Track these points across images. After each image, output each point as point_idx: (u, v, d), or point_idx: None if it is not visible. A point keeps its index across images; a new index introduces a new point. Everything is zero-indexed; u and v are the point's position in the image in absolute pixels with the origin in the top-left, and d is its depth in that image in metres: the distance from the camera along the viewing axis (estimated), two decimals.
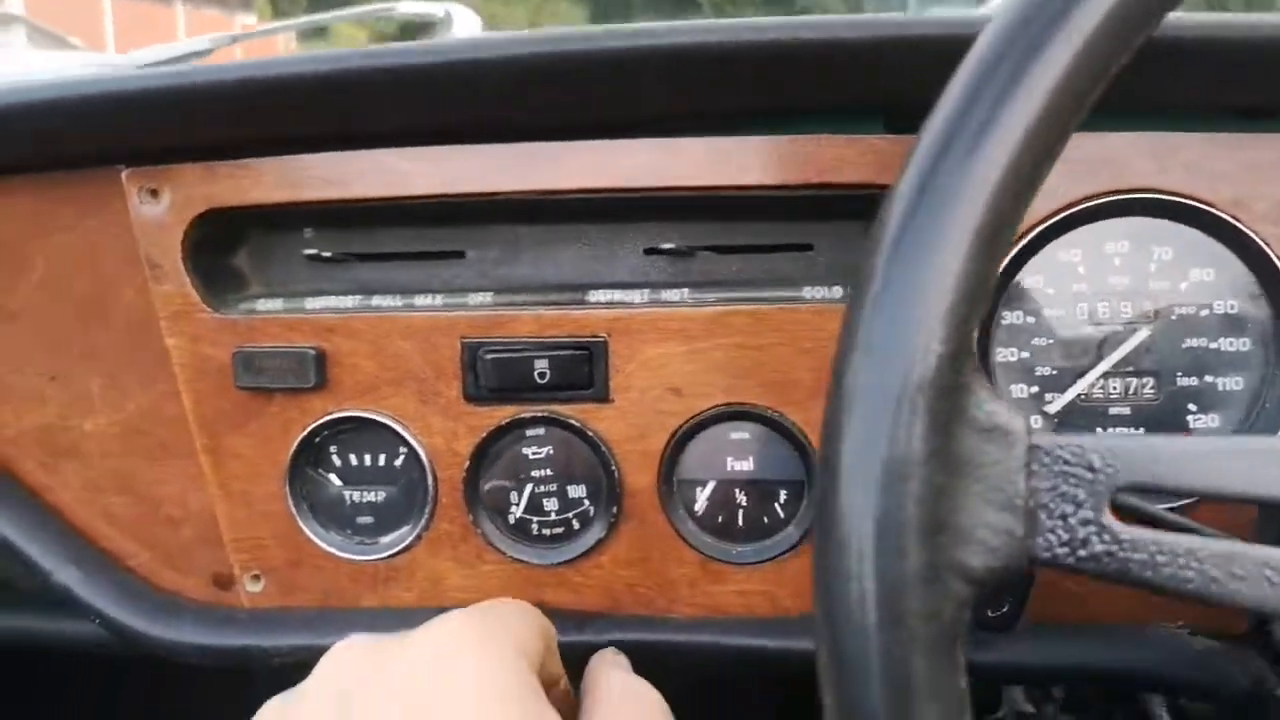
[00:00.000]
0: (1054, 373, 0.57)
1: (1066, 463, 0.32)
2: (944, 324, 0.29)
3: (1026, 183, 0.30)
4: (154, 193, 0.58)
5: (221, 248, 0.61)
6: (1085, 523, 0.32)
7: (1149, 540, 0.32)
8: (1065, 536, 0.32)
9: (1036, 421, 0.57)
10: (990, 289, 0.31)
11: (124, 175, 0.58)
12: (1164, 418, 0.57)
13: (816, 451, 0.56)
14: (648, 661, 0.61)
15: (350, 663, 0.40)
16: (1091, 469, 0.32)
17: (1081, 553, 0.32)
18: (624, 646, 0.60)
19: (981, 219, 0.29)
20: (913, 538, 0.29)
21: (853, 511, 0.29)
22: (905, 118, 0.56)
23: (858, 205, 0.57)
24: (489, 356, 0.57)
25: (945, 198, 0.29)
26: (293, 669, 0.63)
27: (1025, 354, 0.57)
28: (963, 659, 0.30)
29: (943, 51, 0.49)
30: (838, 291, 0.57)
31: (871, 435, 0.29)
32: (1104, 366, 0.57)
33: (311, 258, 0.61)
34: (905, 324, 0.29)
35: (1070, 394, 0.57)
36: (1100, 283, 0.57)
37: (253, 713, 0.40)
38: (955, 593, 0.30)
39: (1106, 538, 0.32)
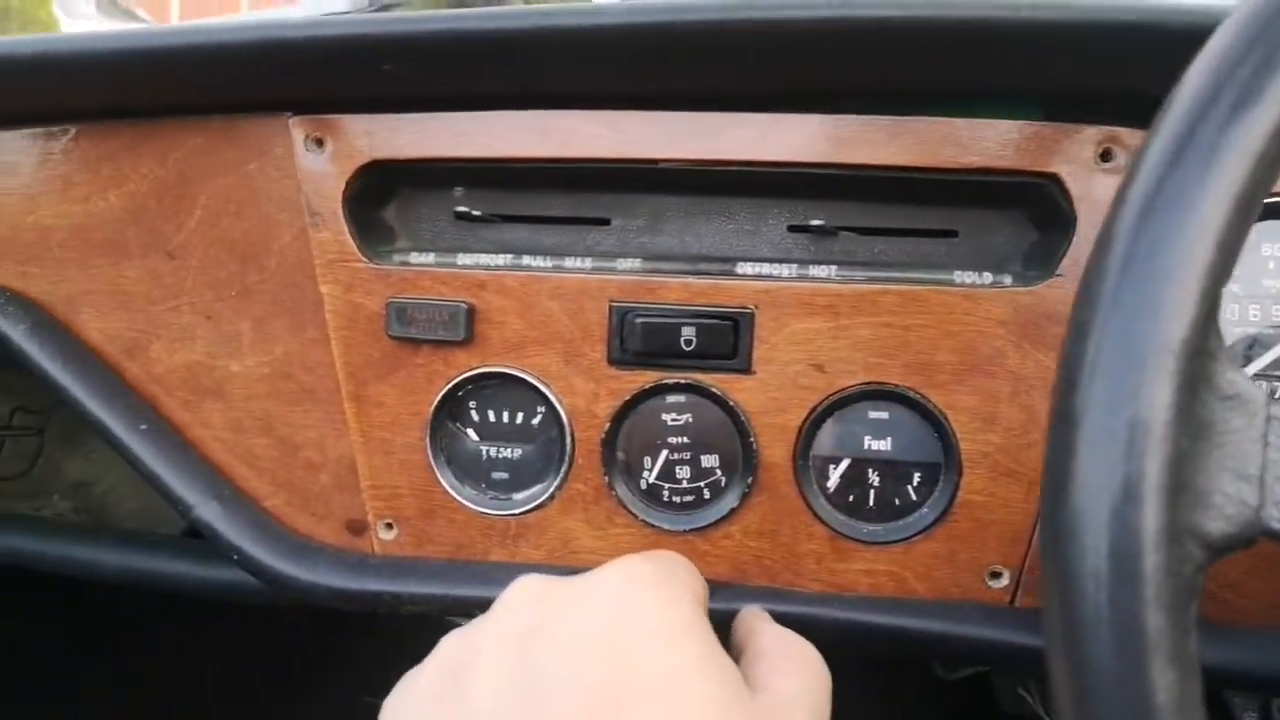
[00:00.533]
0: None
1: None
2: (1198, 285, 0.29)
3: None
4: (319, 142, 0.59)
5: (375, 201, 0.62)
6: None
7: None
8: None
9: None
10: (1238, 256, 0.31)
11: (291, 122, 0.59)
12: None
13: (956, 433, 0.57)
14: None
15: (534, 597, 0.41)
16: None
17: None
18: None
19: (1243, 180, 0.30)
20: (1155, 496, 0.29)
21: (1095, 467, 0.30)
22: (1067, 106, 0.56)
23: (1007, 193, 0.58)
24: (638, 321, 0.57)
25: (1209, 155, 0.30)
26: (415, 619, 0.64)
27: None
28: (1194, 626, 0.30)
29: (1130, 40, 0.50)
30: (988, 277, 0.57)
31: (1119, 392, 0.30)
32: (1252, 370, 0.57)
33: (460, 216, 0.62)
34: (1160, 282, 0.30)
35: None
36: (1255, 285, 0.57)
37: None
38: (1192, 556, 0.30)
39: None
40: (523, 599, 0.41)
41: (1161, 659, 0.29)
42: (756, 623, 0.48)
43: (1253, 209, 0.30)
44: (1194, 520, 0.30)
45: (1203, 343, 0.30)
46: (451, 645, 0.41)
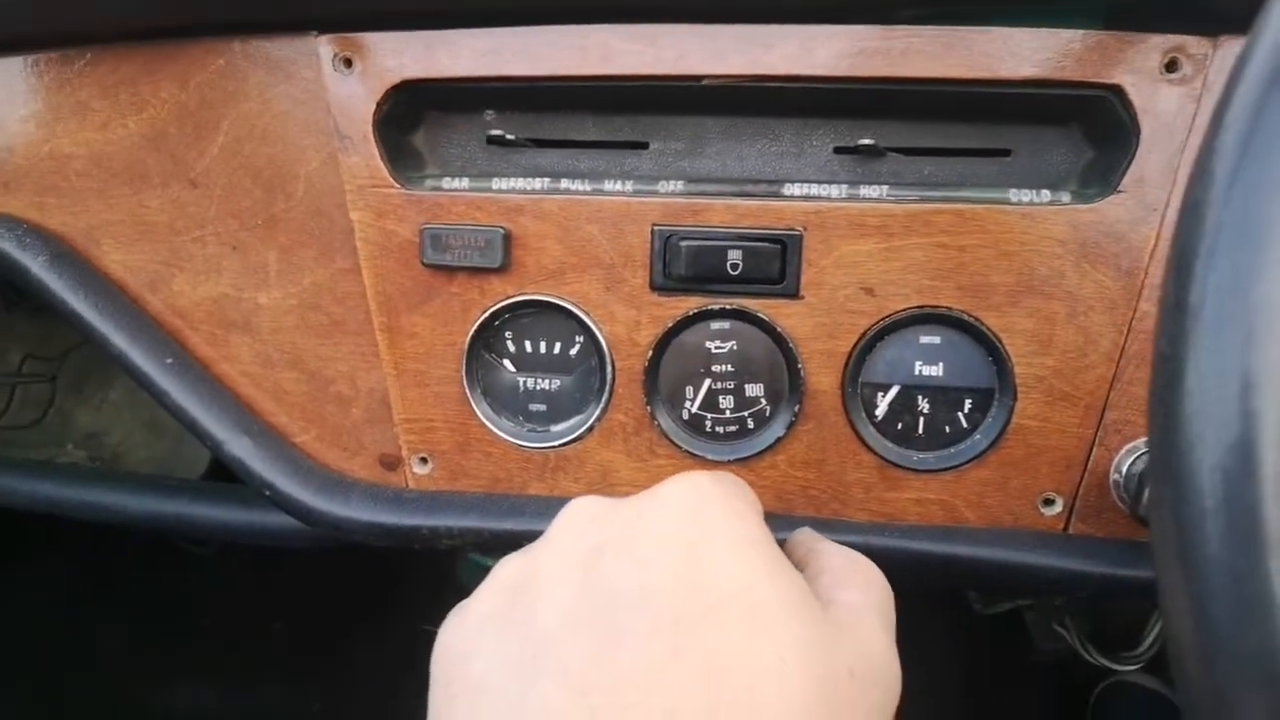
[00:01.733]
0: None
1: None
2: None
3: None
4: (348, 62, 0.57)
5: (405, 125, 0.60)
6: None
7: None
8: None
9: None
10: None
11: (318, 41, 0.57)
12: None
13: (1011, 357, 0.55)
14: None
15: (594, 516, 0.40)
16: None
17: None
18: None
19: None
20: (1278, 385, 0.27)
21: (1216, 355, 0.28)
22: (1130, 15, 0.53)
23: (1062, 108, 0.56)
24: (683, 244, 0.56)
25: None
26: (453, 552, 0.63)
27: None
28: None
29: None
30: (1046, 195, 0.56)
31: (1242, 274, 0.28)
32: None
33: (493, 140, 0.60)
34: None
35: None
36: None
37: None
38: None
39: None
40: (583, 518, 0.40)
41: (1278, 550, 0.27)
42: (814, 542, 0.47)
43: None
44: None
45: None
46: (512, 568, 0.40)
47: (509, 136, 0.59)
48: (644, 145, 0.60)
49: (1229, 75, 0.30)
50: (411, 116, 0.60)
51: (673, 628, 0.34)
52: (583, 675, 0.33)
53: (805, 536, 0.48)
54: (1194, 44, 0.52)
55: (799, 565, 0.45)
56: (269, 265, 0.61)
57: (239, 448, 0.60)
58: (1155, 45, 0.53)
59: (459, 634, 0.38)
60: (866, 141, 0.57)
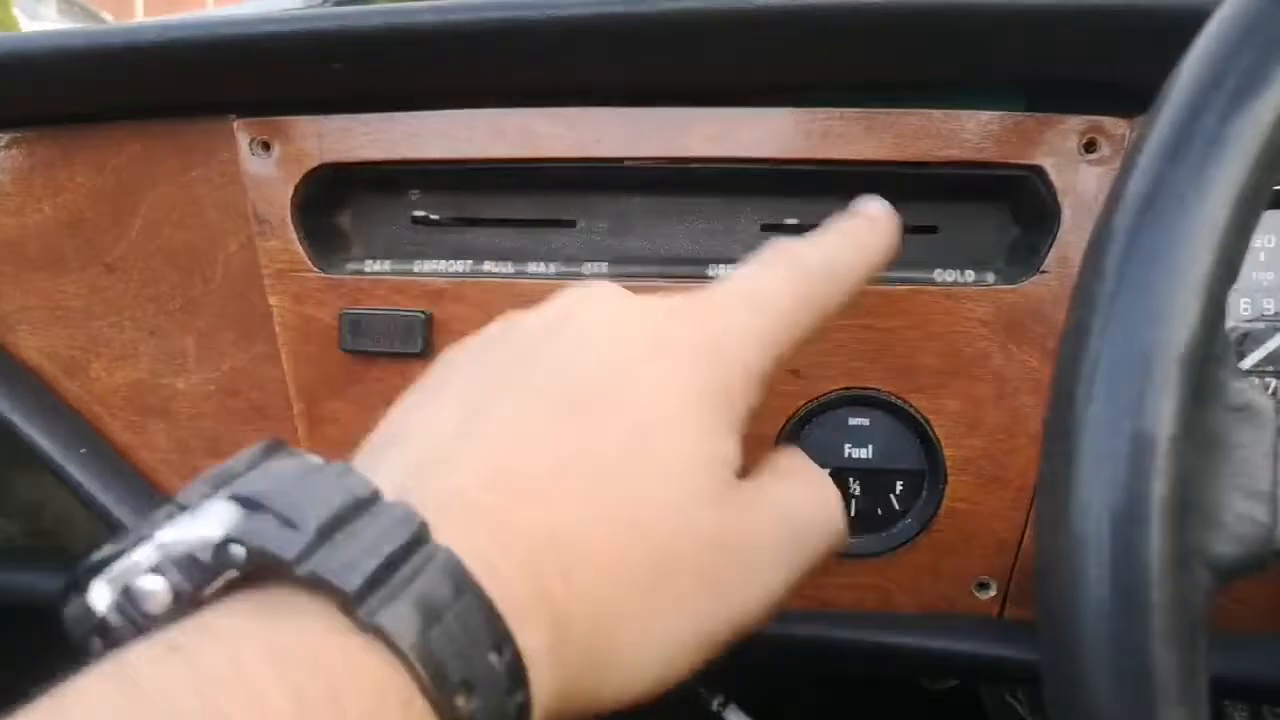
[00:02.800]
0: None
1: None
2: (1205, 287, 0.27)
3: None
4: (265, 145, 0.56)
5: (327, 207, 0.59)
6: None
7: None
8: None
9: None
10: (1244, 255, 0.29)
11: (235, 125, 0.56)
12: None
13: (940, 439, 0.55)
14: (750, 654, 0.60)
15: (584, 295, 0.39)
16: None
17: None
18: None
19: (1248, 172, 0.27)
20: (1161, 519, 0.27)
21: (1096, 488, 0.27)
22: (1050, 95, 0.53)
23: (988, 187, 0.55)
24: None
25: (1213, 147, 0.27)
26: None
27: None
28: (1205, 659, 0.28)
29: (1116, 26, 0.48)
30: (970, 275, 0.55)
31: (1121, 405, 0.27)
32: (1244, 366, 0.54)
33: (418, 220, 0.59)
34: (1163, 285, 0.27)
35: None
36: (1244, 278, 0.55)
37: None
38: (1201, 581, 0.28)
39: None
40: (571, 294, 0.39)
41: (1172, 698, 0.26)
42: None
43: (1259, 203, 0.28)
44: (1202, 542, 0.28)
45: (1209, 349, 0.27)
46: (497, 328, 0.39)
47: (433, 217, 0.59)
48: (572, 223, 0.60)
49: (1108, 193, 0.30)
50: (336, 198, 0.59)
51: (570, 406, 0.33)
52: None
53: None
54: (1111, 124, 0.52)
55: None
56: (187, 350, 0.60)
57: None
58: (1073, 126, 0.52)
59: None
60: (792, 221, 0.57)
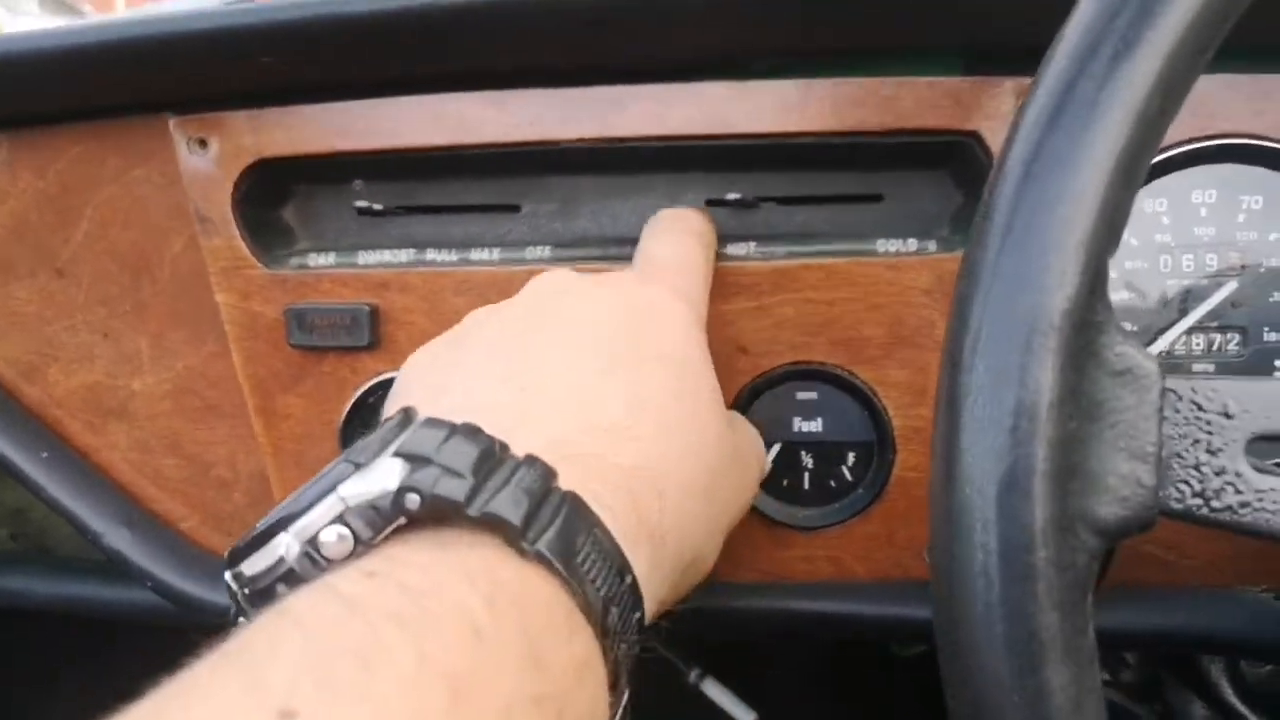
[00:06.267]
0: (1135, 329, 0.55)
1: (1200, 408, 0.30)
2: (1081, 253, 0.27)
3: (1173, 97, 0.28)
4: (202, 142, 0.56)
5: (270, 201, 0.59)
6: (1220, 472, 0.30)
7: None
8: (1199, 487, 0.29)
9: None
10: (1125, 221, 0.29)
11: (171, 123, 0.56)
12: (1249, 375, 0.55)
13: (887, 409, 0.55)
14: (709, 627, 0.60)
15: (557, 278, 0.46)
16: (1227, 414, 0.30)
17: (1216, 503, 0.29)
18: (684, 612, 0.59)
19: (1126, 138, 0.27)
20: (1044, 484, 0.27)
21: (979, 455, 0.27)
22: (987, 59, 0.53)
23: (930, 153, 0.55)
24: None
25: (1087, 114, 0.27)
26: None
27: None
28: (1091, 615, 0.28)
29: None
30: (912, 244, 0.55)
31: (1002, 373, 0.27)
32: (1188, 322, 0.54)
33: (362, 211, 0.59)
34: (1040, 251, 0.27)
35: (1153, 351, 0.54)
36: (1186, 234, 0.54)
37: None
38: (1085, 544, 0.28)
39: (1242, 488, 0.30)
40: (542, 283, 0.46)
41: (1057, 658, 0.27)
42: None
43: (1138, 169, 0.28)
44: (1086, 507, 0.28)
45: (1088, 315, 0.28)
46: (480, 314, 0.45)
47: (376, 207, 0.59)
48: (516, 208, 0.60)
49: (993, 166, 0.30)
50: (279, 191, 0.60)
51: (512, 340, 0.41)
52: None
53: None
54: None
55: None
56: (141, 351, 0.60)
57: (117, 539, 0.59)
58: (1009, 89, 0.52)
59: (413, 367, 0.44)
60: (734, 195, 0.57)
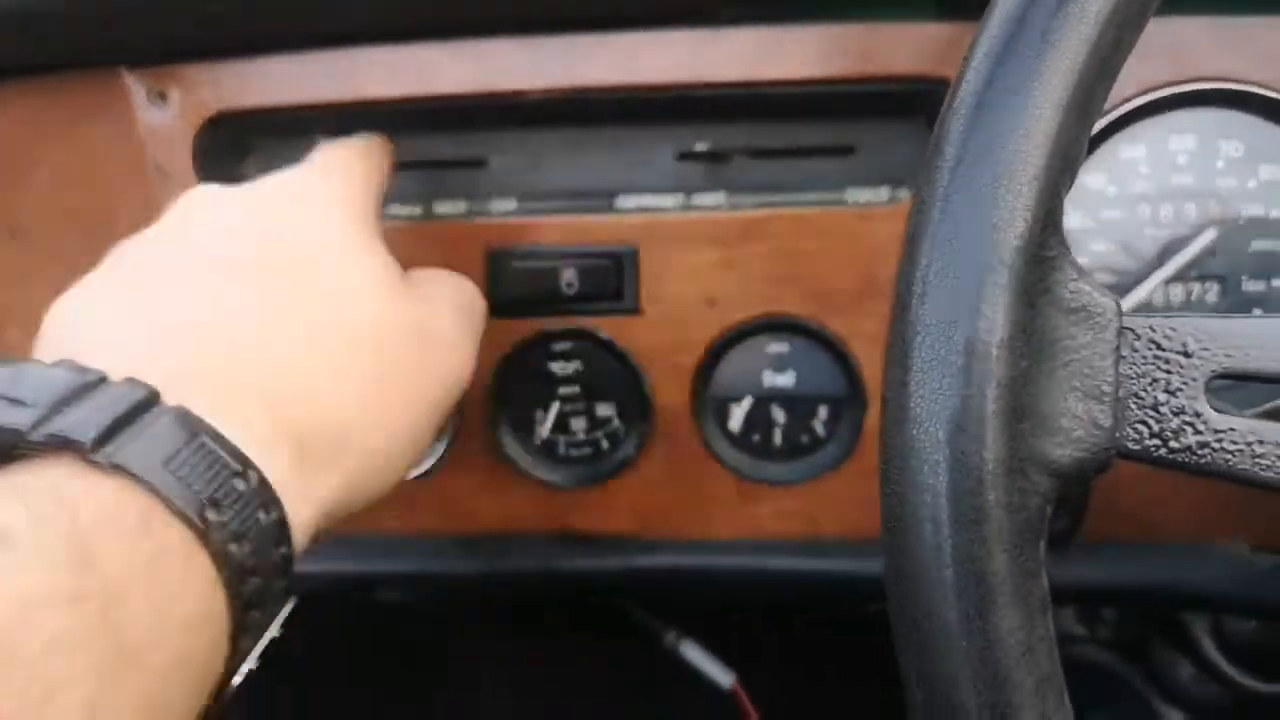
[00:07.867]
0: (1114, 279, 0.54)
1: (1159, 347, 0.29)
2: (1034, 187, 0.26)
3: (1128, 27, 0.27)
4: (161, 95, 0.55)
5: (231, 156, 0.58)
6: (1178, 412, 0.29)
7: (1247, 431, 0.29)
8: (1157, 427, 0.29)
9: None
10: (1081, 156, 0.27)
11: (130, 77, 0.55)
12: None
13: (859, 362, 0.54)
14: (682, 585, 0.60)
15: (196, 192, 0.43)
16: (1186, 353, 0.29)
17: (1174, 444, 0.29)
18: (657, 571, 0.58)
19: (1078, 70, 0.26)
20: (993, 425, 0.26)
21: (928, 396, 0.26)
22: (961, 3, 0.52)
23: (904, 102, 0.54)
24: (514, 265, 0.54)
25: (1039, 44, 0.26)
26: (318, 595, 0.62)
27: (1083, 259, 0.54)
28: (1043, 560, 0.28)
29: None
30: (884, 193, 0.54)
31: (951, 310, 0.26)
32: (1167, 271, 0.53)
33: None
34: (991, 185, 0.26)
35: (1130, 301, 0.53)
36: (1164, 182, 0.53)
37: None
38: (1037, 486, 0.27)
39: (1201, 428, 0.29)
40: (187, 206, 0.42)
41: (1005, 602, 0.26)
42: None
43: (1093, 102, 0.27)
44: (1038, 448, 0.27)
45: (1041, 250, 0.27)
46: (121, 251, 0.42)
47: None
48: (483, 162, 0.58)
49: (945, 99, 0.29)
50: (240, 146, 0.58)
51: (245, 277, 0.37)
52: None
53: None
54: None
55: None
56: None
57: None
58: None
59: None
60: (703, 147, 0.55)
